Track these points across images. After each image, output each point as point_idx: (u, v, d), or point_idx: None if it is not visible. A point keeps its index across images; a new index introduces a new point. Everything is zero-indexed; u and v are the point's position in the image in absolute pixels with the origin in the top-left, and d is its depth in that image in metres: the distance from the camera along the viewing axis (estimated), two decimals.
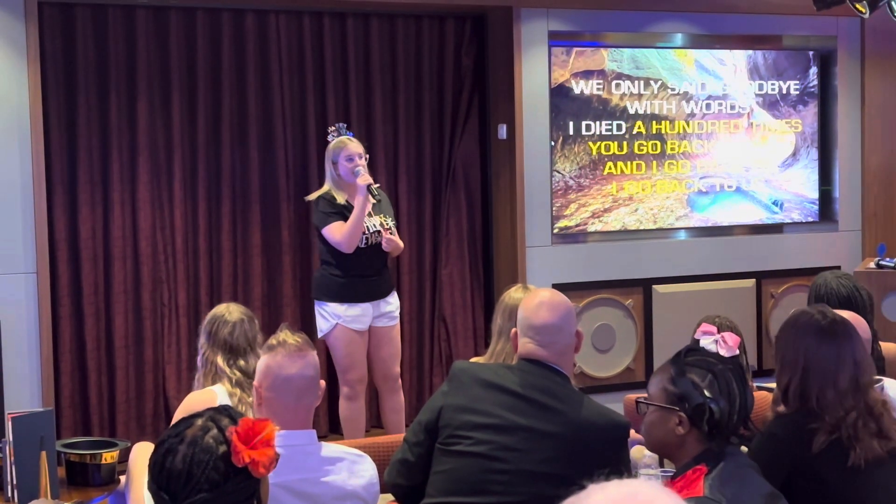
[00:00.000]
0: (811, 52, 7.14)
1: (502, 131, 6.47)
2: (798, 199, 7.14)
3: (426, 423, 3.05)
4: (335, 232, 5.24)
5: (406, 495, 3.12)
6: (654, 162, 6.75)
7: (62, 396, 5.74)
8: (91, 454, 4.07)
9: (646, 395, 2.69)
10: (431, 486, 2.99)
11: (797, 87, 7.10)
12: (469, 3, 6.31)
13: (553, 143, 6.46)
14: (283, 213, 6.19)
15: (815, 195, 7.18)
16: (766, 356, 6.79)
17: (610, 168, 6.65)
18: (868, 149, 7.18)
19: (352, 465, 2.77)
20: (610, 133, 6.63)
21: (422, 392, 6.44)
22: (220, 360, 3.70)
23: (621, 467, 2.93)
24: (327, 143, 5.41)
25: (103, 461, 4.04)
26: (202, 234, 6.07)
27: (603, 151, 6.62)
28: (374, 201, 5.30)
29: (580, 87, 6.54)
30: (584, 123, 6.55)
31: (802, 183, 7.14)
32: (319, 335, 5.41)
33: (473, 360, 3.87)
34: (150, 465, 2.11)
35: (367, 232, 5.27)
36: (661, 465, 3.22)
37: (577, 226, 6.57)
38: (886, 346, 4.14)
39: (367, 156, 5.41)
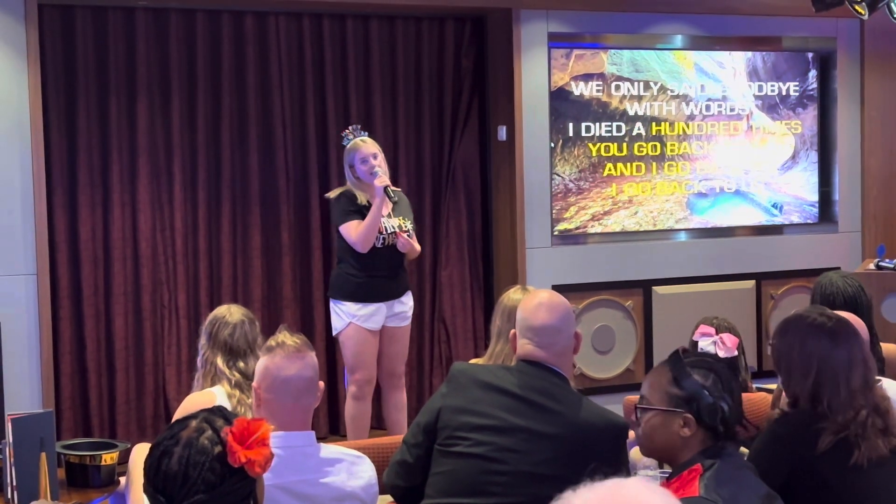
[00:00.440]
0: (810, 54, 7.14)
1: (502, 133, 6.47)
2: (797, 201, 7.14)
3: (425, 424, 3.05)
4: (351, 231, 5.25)
5: (405, 496, 3.13)
6: (654, 164, 6.75)
7: (62, 398, 5.74)
8: (91, 455, 4.07)
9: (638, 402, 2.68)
10: (430, 488, 3.00)
11: (797, 88, 7.10)
12: (469, 4, 6.31)
13: (553, 145, 6.47)
14: (283, 214, 6.19)
15: (815, 198, 7.19)
16: (766, 357, 6.79)
17: (610, 169, 6.65)
18: (868, 150, 7.19)
19: (351, 466, 2.77)
20: (609, 134, 6.64)
21: (422, 393, 6.44)
22: (219, 362, 3.70)
23: (620, 468, 2.93)
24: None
25: (103, 462, 4.05)
26: (202, 235, 6.08)
27: (602, 153, 6.63)
28: (392, 203, 5.31)
29: (580, 89, 6.54)
30: (583, 125, 6.55)
31: (802, 186, 7.15)
32: (334, 333, 5.46)
33: (473, 361, 3.88)
34: (145, 468, 2.11)
35: (383, 233, 5.28)
36: (661, 466, 3.22)
37: (576, 229, 6.57)
38: (887, 348, 4.14)
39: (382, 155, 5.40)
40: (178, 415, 3.55)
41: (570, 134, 6.53)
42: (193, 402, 3.53)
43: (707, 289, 6.79)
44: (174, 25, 5.98)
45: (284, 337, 2.81)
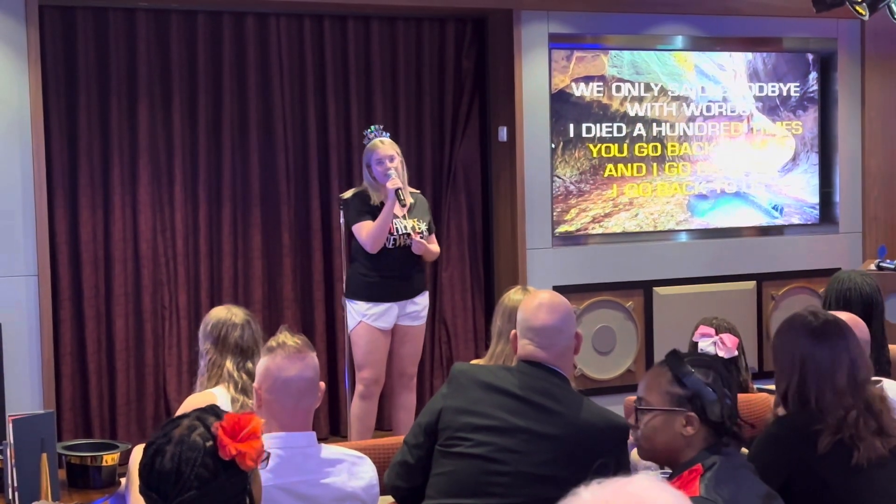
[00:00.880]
0: (811, 55, 7.14)
1: (503, 133, 6.47)
2: (798, 203, 7.14)
3: (426, 425, 3.05)
4: (363, 231, 5.30)
5: (406, 497, 3.13)
6: (655, 165, 6.75)
7: (63, 399, 5.74)
8: (92, 456, 4.08)
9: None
10: (431, 488, 3.00)
11: (797, 90, 7.10)
12: (469, 5, 6.32)
13: (553, 147, 6.47)
14: (284, 215, 6.19)
15: (815, 200, 7.18)
16: (767, 358, 6.79)
17: (610, 171, 6.65)
18: (868, 150, 7.18)
19: (351, 466, 2.77)
20: (610, 135, 6.64)
21: (422, 394, 6.44)
22: (229, 364, 3.64)
23: (621, 469, 2.93)
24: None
25: (104, 463, 4.05)
26: (203, 236, 6.08)
27: (603, 154, 6.63)
28: (403, 206, 5.31)
29: (580, 90, 6.54)
30: (584, 126, 6.56)
31: (802, 188, 7.15)
32: (347, 331, 5.51)
33: (473, 362, 3.88)
34: (139, 468, 2.13)
35: (395, 233, 5.31)
36: (662, 467, 3.21)
37: (577, 231, 6.57)
38: (892, 349, 4.14)
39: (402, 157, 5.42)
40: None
41: (571, 135, 6.53)
42: (193, 403, 3.51)
43: (708, 289, 6.79)
44: (175, 26, 5.99)
45: (285, 337, 2.81)
